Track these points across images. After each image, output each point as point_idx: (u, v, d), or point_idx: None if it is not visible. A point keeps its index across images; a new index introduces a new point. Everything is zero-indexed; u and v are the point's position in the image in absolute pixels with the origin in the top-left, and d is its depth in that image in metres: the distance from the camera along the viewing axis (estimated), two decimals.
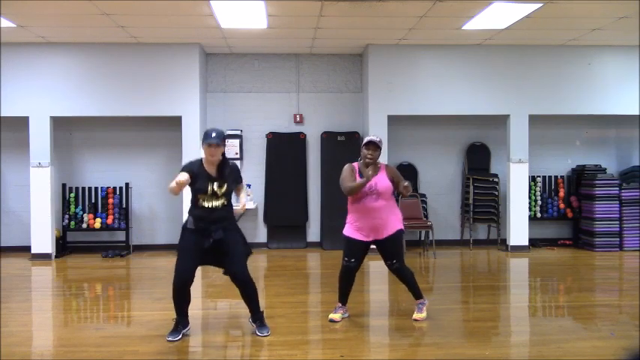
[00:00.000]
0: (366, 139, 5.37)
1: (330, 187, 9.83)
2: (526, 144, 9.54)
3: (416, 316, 5.52)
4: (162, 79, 9.23)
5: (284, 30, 8.58)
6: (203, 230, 4.81)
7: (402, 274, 5.49)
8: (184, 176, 4.72)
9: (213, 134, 4.79)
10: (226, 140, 5.04)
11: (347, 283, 5.53)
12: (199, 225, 4.82)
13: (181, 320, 5.02)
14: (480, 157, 10.18)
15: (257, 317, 5.11)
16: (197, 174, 4.80)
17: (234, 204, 5.07)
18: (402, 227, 5.43)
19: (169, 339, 4.92)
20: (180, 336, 4.97)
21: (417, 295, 5.60)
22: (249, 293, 5.03)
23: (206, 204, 4.79)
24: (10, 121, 9.34)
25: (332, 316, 5.52)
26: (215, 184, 4.79)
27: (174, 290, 4.91)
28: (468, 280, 8.04)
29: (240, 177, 5.10)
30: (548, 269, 8.51)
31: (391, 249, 5.38)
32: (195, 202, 4.86)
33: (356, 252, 5.38)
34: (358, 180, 5.25)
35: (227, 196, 4.88)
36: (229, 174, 4.89)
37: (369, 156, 5.26)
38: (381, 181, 5.28)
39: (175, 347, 4.85)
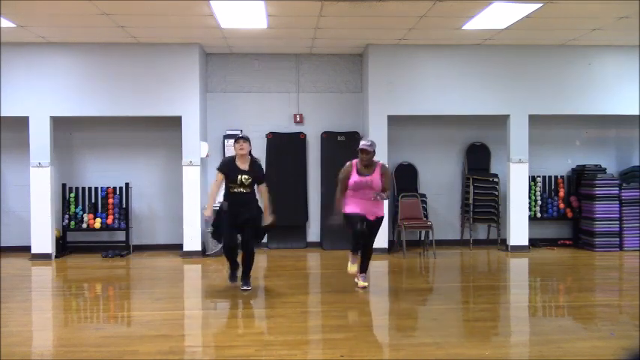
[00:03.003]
0: (359, 146, 6.58)
1: (330, 187, 9.82)
2: (526, 144, 9.54)
3: (361, 283, 6.81)
4: (162, 79, 9.23)
5: (284, 30, 8.58)
6: (236, 211, 6.32)
7: (370, 251, 6.91)
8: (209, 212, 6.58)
9: (240, 134, 6.68)
10: (250, 142, 6.60)
11: (360, 241, 6.58)
12: (232, 208, 6.34)
13: (234, 267, 6.66)
14: (479, 157, 10.17)
15: (245, 277, 6.63)
16: (230, 169, 6.39)
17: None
18: (384, 214, 6.96)
19: (230, 282, 6.71)
20: (236, 280, 6.68)
21: (364, 269, 6.88)
22: (247, 261, 6.56)
23: (235, 190, 6.33)
24: (10, 121, 9.33)
25: (351, 269, 6.69)
26: (243, 176, 6.33)
27: (226, 253, 6.60)
28: (468, 280, 8.04)
29: (262, 173, 6.66)
30: (548, 269, 8.51)
31: (372, 231, 6.76)
32: (227, 189, 6.39)
33: (358, 221, 6.51)
34: (339, 210, 6.66)
35: (252, 185, 6.43)
36: (254, 169, 6.48)
37: (364, 160, 6.54)
38: (375, 179, 6.55)
39: (175, 347, 4.86)
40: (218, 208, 6.63)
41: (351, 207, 6.60)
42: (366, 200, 6.53)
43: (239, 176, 6.32)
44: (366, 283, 6.83)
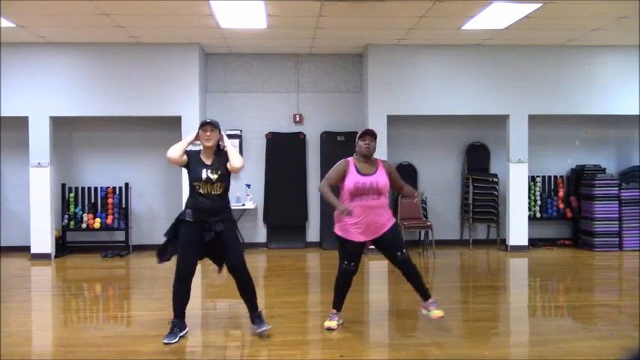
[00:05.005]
0: (361, 131, 5.28)
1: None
2: (526, 144, 9.54)
3: (437, 314, 5.15)
4: (162, 79, 9.24)
5: (284, 30, 8.58)
6: (202, 222, 4.86)
7: (410, 264, 5.22)
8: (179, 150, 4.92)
9: (208, 120, 5.00)
10: (221, 131, 5.07)
11: (346, 286, 5.28)
12: (198, 216, 4.88)
13: (178, 323, 5.00)
14: (479, 157, 10.18)
15: (255, 315, 5.10)
16: (193, 161, 4.95)
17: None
18: (395, 220, 5.31)
19: (166, 341, 4.86)
20: (177, 339, 4.91)
21: (427, 293, 5.28)
22: (246, 286, 5.07)
23: (202, 190, 4.89)
24: (10, 121, 9.34)
25: (328, 324, 5.25)
26: (208, 170, 4.90)
27: (176, 285, 4.95)
28: (467, 280, 8.04)
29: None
30: (547, 269, 8.51)
31: (393, 242, 5.20)
32: (192, 191, 4.95)
33: (354, 254, 5.20)
34: (338, 202, 5.10)
35: (221, 182, 4.93)
36: (221, 159, 4.98)
37: (364, 147, 5.15)
38: (382, 178, 5.13)
39: (175, 347, 4.85)
40: (177, 217, 5.09)
41: (349, 224, 5.11)
42: (369, 210, 5.07)
43: (203, 171, 4.88)
44: (441, 312, 5.15)
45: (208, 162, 4.96)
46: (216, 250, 5.00)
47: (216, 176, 4.90)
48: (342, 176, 5.14)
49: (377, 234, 5.15)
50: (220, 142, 5.04)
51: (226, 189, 5.01)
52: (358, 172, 5.13)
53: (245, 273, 5.05)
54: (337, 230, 5.23)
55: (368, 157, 5.20)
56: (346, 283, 5.28)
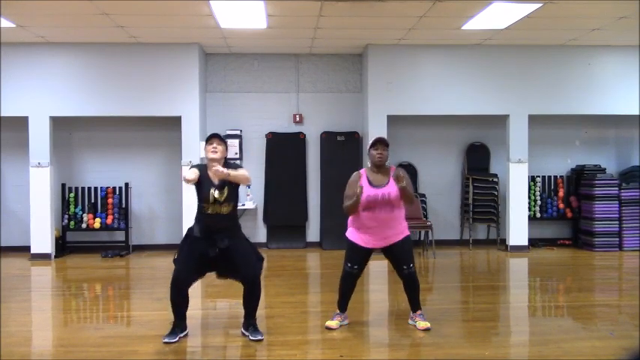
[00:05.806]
0: (373, 139, 5.18)
1: (330, 187, 9.85)
2: (526, 144, 9.54)
3: (423, 325, 5.20)
4: (162, 79, 9.24)
5: (284, 30, 8.58)
6: (208, 239, 4.78)
7: (414, 279, 5.24)
8: (194, 173, 4.73)
9: (215, 133, 4.93)
10: (227, 144, 5.00)
11: (348, 288, 5.30)
12: (204, 233, 4.82)
13: (179, 324, 4.97)
14: (479, 157, 10.18)
15: (251, 323, 5.04)
16: (202, 179, 4.77)
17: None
18: (409, 233, 5.27)
19: (166, 340, 4.86)
20: (176, 339, 4.90)
21: (418, 305, 5.35)
22: (254, 297, 5.00)
23: (209, 211, 4.79)
24: (10, 121, 9.33)
25: (329, 323, 5.27)
26: (216, 191, 4.76)
27: (172, 293, 4.90)
28: (467, 280, 8.04)
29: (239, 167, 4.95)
30: (547, 269, 8.52)
31: (401, 254, 5.18)
32: (199, 209, 4.88)
33: (360, 259, 5.20)
34: (355, 196, 4.99)
35: (229, 201, 4.82)
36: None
37: (377, 156, 5.07)
38: (394, 189, 5.00)
39: (175, 347, 4.84)
40: (187, 232, 5.08)
41: (360, 231, 5.12)
42: (381, 222, 5.02)
43: (211, 191, 4.73)
44: (427, 324, 5.19)
45: (216, 179, 4.76)
46: (226, 267, 4.93)
47: (223, 196, 4.76)
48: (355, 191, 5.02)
49: (386, 243, 5.14)
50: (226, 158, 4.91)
51: (235, 207, 4.91)
52: (370, 184, 5.05)
53: (257, 287, 4.97)
54: (349, 234, 5.24)
55: (381, 167, 5.13)
56: (349, 285, 5.31)
